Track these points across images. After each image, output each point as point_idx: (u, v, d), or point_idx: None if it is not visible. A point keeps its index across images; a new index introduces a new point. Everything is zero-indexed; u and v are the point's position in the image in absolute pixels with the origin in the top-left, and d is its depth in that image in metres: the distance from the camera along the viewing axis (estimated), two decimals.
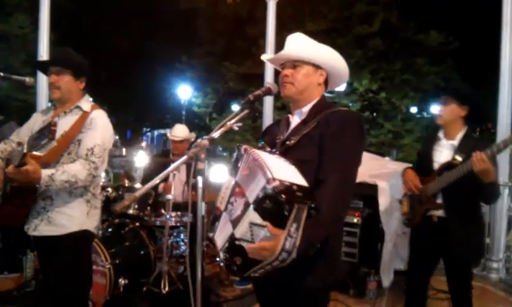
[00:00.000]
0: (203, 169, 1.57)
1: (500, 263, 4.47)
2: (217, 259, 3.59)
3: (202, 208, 1.56)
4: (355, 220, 4.00)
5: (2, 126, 4.19)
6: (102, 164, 2.28)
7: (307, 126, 1.65)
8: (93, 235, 2.38)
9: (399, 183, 3.00)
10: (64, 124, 2.27)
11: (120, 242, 3.65)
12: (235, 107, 18.03)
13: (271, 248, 1.33)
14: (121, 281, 3.37)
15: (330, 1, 14.65)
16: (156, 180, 1.54)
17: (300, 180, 1.40)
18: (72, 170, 2.12)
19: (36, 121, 2.41)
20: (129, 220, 3.89)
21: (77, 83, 2.35)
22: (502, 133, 4.33)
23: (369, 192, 3.89)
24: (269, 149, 1.68)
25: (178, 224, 3.88)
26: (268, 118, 5.49)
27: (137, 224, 3.84)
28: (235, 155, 1.64)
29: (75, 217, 2.25)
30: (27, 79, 2.25)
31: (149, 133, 31.11)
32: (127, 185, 4.12)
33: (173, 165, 1.58)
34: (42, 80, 4.58)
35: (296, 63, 1.72)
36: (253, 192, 1.39)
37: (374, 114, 16.44)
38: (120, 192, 3.99)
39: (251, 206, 1.37)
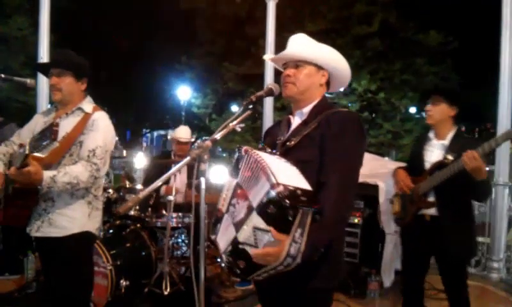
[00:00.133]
0: (204, 170, 1.57)
1: (500, 262, 4.48)
2: (218, 260, 3.60)
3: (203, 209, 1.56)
4: (356, 220, 4.00)
5: (3, 127, 4.18)
6: (104, 165, 2.27)
7: (308, 127, 1.64)
8: (94, 236, 2.38)
9: None
10: (66, 125, 2.26)
11: (121, 243, 3.65)
12: (235, 108, 18.04)
13: (276, 254, 1.33)
14: (123, 282, 3.37)
15: (329, 1, 14.62)
16: (159, 182, 1.53)
17: (303, 183, 1.39)
18: (74, 172, 2.12)
19: (37, 123, 2.40)
20: (130, 221, 3.89)
21: (78, 84, 2.34)
22: None
23: (370, 193, 3.90)
24: (269, 150, 1.67)
25: (180, 225, 3.88)
26: (268, 119, 5.49)
27: (138, 225, 3.84)
28: (235, 156, 1.64)
29: (76, 218, 2.25)
30: (29, 81, 2.24)
31: (148, 135, 31.03)
32: (128, 186, 4.11)
33: (176, 167, 1.57)
34: (42, 81, 4.58)
35: (298, 63, 1.72)
36: (257, 196, 1.38)
37: (373, 114, 16.40)
38: (121, 194, 3.98)
39: (255, 211, 1.36)
